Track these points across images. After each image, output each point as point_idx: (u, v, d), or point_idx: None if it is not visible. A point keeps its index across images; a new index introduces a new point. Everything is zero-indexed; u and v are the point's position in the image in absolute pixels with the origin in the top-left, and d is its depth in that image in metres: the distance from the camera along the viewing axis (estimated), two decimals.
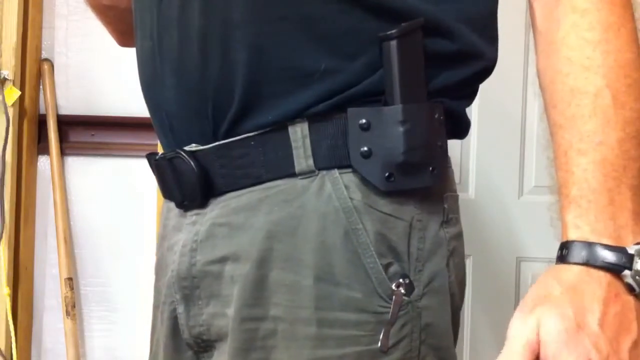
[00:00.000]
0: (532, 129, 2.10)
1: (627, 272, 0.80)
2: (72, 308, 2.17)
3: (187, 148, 0.94)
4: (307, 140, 0.89)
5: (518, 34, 2.06)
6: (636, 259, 0.80)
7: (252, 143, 0.90)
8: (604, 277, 0.80)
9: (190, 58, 0.92)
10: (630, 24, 0.87)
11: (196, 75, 0.92)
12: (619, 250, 0.80)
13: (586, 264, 0.81)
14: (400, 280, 0.88)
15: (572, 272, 0.82)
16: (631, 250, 0.80)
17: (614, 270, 0.80)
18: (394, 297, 0.88)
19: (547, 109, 0.89)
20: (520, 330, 0.80)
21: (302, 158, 0.89)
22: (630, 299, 0.81)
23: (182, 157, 0.93)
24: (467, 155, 2.11)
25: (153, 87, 0.99)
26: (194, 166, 0.92)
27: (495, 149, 2.10)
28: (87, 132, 2.26)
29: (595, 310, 0.79)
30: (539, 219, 2.06)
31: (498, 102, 2.02)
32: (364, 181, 0.88)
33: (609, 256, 0.80)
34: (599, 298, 0.79)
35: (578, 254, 0.81)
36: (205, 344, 0.97)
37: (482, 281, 2.11)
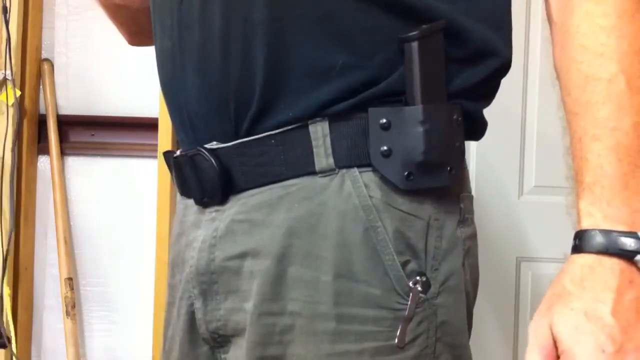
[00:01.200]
0: (532, 129, 2.10)
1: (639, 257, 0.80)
2: (72, 308, 2.16)
3: (208, 146, 0.94)
4: (328, 139, 0.90)
5: (518, 33, 2.06)
6: None
7: (273, 141, 0.91)
8: (617, 264, 0.81)
9: (211, 57, 0.93)
10: None
11: (218, 74, 0.93)
12: (632, 235, 0.81)
13: (599, 252, 0.81)
14: (418, 277, 0.89)
15: (583, 262, 0.82)
16: None
17: (627, 256, 0.81)
18: (411, 294, 0.88)
19: (562, 97, 0.90)
20: (534, 337, 0.82)
21: (323, 157, 0.90)
22: None
23: (203, 154, 0.94)
24: (467, 155, 2.08)
25: (173, 87, 1.00)
26: (214, 163, 0.93)
27: (495, 149, 2.10)
28: (87, 132, 2.26)
29: (607, 300, 0.79)
30: (539, 219, 2.07)
31: (498, 102, 2.01)
32: (384, 180, 0.89)
33: (622, 242, 0.81)
34: (611, 286, 0.80)
35: (590, 242, 0.82)
36: (222, 339, 0.98)
37: (482, 281, 2.09)
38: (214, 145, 0.94)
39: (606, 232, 0.81)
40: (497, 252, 2.11)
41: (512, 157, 2.12)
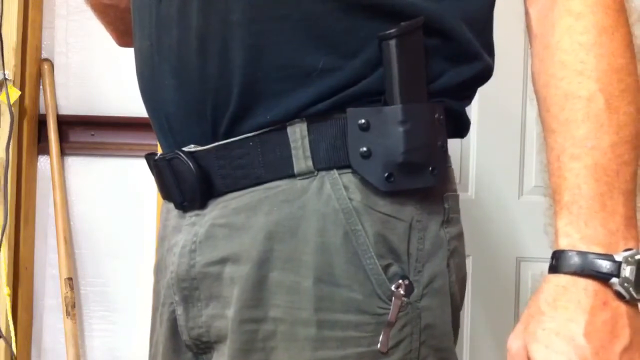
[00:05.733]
0: (532, 129, 2.10)
1: (615, 280, 0.80)
2: (72, 308, 2.16)
3: (185, 149, 0.93)
4: (306, 141, 0.88)
5: (518, 34, 2.05)
6: (624, 266, 0.80)
7: (251, 144, 0.90)
8: (591, 285, 0.80)
9: (189, 58, 0.92)
10: (625, 28, 0.86)
11: (195, 75, 0.91)
12: (607, 257, 0.80)
13: (574, 273, 0.81)
14: (400, 281, 0.88)
15: (557, 282, 0.82)
16: (619, 257, 0.80)
17: (602, 278, 0.80)
18: (393, 298, 0.87)
19: (540, 113, 0.89)
20: (509, 357, 0.83)
21: (301, 159, 0.89)
22: (620, 306, 0.80)
23: (180, 158, 0.93)
24: (467, 155, 2.11)
25: (152, 88, 0.99)
26: (192, 167, 0.92)
27: (495, 149, 2.10)
28: (87, 132, 2.26)
29: (580, 321, 0.79)
30: (539, 219, 2.05)
31: (498, 102, 2.02)
32: (364, 182, 0.88)
33: (597, 264, 0.80)
34: (584, 308, 0.79)
35: (566, 263, 0.81)
36: (204, 346, 0.97)
37: (482, 281, 2.11)
38: (191, 148, 0.93)
39: (582, 254, 0.81)
40: (497, 252, 2.11)
41: (512, 157, 2.11)
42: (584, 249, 0.81)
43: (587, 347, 0.78)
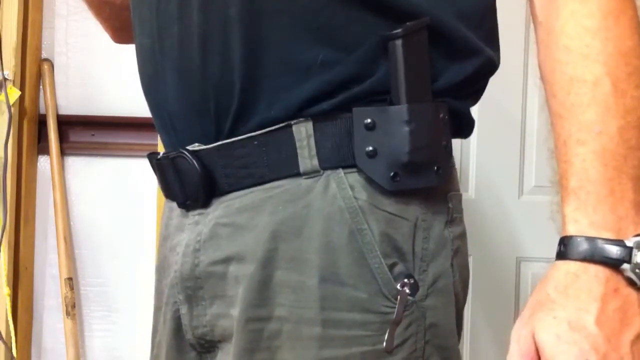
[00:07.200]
0: (532, 129, 2.09)
1: (626, 266, 0.79)
2: (72, 308, 2.16)
3: (189, 147, 0.93)
4: (312, 140, 0.88)
5: (518, 31, 2.05)
6: (635, 251, 0.79)
7: (255, 143, 0.90)
8: (602, 272, 0.79)
9: (190, 55, 0.92)
10: (632, 11, 0.85)
11: (197, 72, 0.91)
12: (618, 243, 0.79)
13: (584, 259, 0.80)
14: (405, 280, 0.88)
15: (567, 269, 0.81)
16: (630, 242, 0.79)
17: (613, 264, 0.79)
18: (399, 297, 0.87)
19: (547, 99, 0.88)
20: (515, 343, 0.81)
21: (307, 158, 0.88)
22: (631, 292, 0.79)
23: (185, 156, 0.93)
24: (467, 155, 2.10)
25: (154, 86, 0.99)
26: (197, 166, 0.92)
27: (495, 148, 2.10)
28: (87, 132, 2.25)
29: (591, 309, 0.78)
30: (539, 219, 2.06)
31: (498, 102, 2.02)
32: (369, 181, 0.88)
33: (607, 250, 0.79)
34: (596, 295, 0.79)
35: (576, 249, 0.80)
36: (209, 345, 0.97)
37: (482, 281, 2.11)
38: (195, 147, 0.93)
39: (592, 239, 0.80)
40: (497, 252, 2.10)
41: (512, 157, 2.11)
42: (593, 234, 0.80)
43: (599, 335, 0.77)
